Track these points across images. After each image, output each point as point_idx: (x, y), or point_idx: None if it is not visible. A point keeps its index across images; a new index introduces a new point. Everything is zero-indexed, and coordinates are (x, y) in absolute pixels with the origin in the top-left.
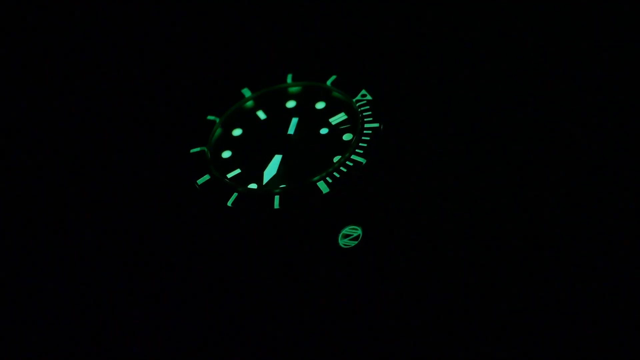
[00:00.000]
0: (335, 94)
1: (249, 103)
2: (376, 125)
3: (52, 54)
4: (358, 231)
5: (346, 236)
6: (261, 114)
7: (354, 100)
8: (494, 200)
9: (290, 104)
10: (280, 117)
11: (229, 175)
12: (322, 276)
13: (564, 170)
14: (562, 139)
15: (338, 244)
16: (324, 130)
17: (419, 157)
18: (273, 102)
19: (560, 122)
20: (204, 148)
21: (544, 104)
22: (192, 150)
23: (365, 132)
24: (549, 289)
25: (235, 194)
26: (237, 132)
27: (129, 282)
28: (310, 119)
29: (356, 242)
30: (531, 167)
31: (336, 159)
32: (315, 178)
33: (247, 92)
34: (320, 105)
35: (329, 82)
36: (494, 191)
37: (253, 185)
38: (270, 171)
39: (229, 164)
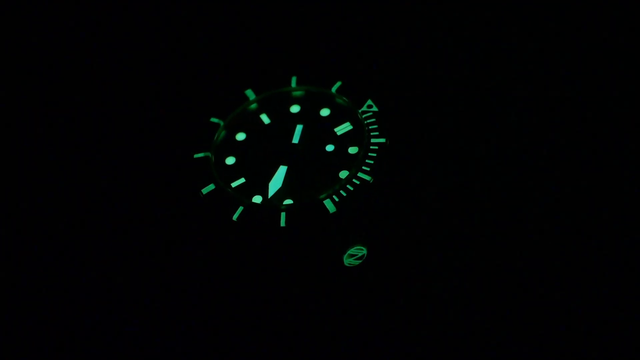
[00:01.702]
0: (340, 101)
1: (253, 106)
2: (382, 140)
3: (53, 55)
4: (363, 251)
5: (351, 256)
6: (265, 118)
7: (360, 111)
8: (503, 220)
9: (295, 108)
10: (284, 122)
11: (234, 185)
12: (326, 294)
13: (576, 194)
14: (575, 161)
15: (343, 263)
16: (329, 147)
17: (426, 175)
18: (277, 105)
19: (572, 143)
20: (208, 154)
21: (559, 121)
22: (196, 156)
23: (372, 147)
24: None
25: (241, 208)
26: (240, 136)
27: (127, 294)
28: (315, 127)
29: (360, 262)
30: (542, 182)
31: (343, 174)
32: (322, 196)
33: (251, 95)
34: (325, 112)
35: (334, 89)
36: (504, 210)
37: (258, 198)
38: (276, 184)
39: (233, 171)
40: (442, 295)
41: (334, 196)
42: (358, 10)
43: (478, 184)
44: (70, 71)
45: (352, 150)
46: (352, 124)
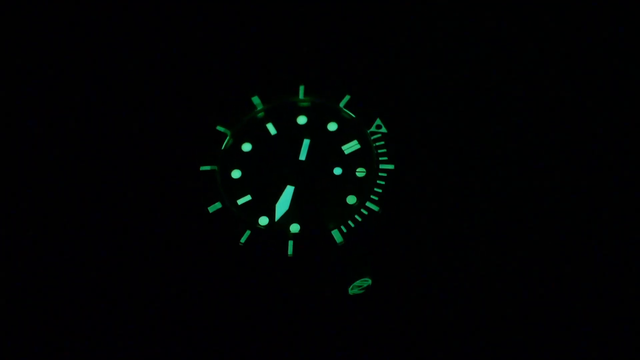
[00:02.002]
0: (346, 116)
1: (260, 114)
2: (391, 167)
3: (56, 60)
4: (368, 282)
5: (357, 286)
6: (271, 128)
7: (369, 131)
8: (513, 251)
9: (301, 119)
10: (291, 133)
11: (240, 202)
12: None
13: (581, 216)
14: (584, 181)
15: (348, 292)
16: (337, 171)
17: (435, 202)
18: (284, 115)
19: (579, 165)
20: (215, 167)
21: (569, 145)
22: (202, 168)
23: (380, 174)
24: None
25: (248, 232)
26: (246, 147)
27: (128, 314)
28: (322, 143)
29: (364, 291)
30: (555, 211)
31: (351, 200)
32: (330, 226)
33: (257, 102)
34: (332, 126)
35: (342, 104)
36: (516, 237)
37: (264, 219)
38: (283, 206)
39: (239, 187)
40: (451, 324)
41: (341, 226)
42: (373, 21)
43: (490, 215)
44: (74, 78)
45: (360, 173)
46: (360, 142)
